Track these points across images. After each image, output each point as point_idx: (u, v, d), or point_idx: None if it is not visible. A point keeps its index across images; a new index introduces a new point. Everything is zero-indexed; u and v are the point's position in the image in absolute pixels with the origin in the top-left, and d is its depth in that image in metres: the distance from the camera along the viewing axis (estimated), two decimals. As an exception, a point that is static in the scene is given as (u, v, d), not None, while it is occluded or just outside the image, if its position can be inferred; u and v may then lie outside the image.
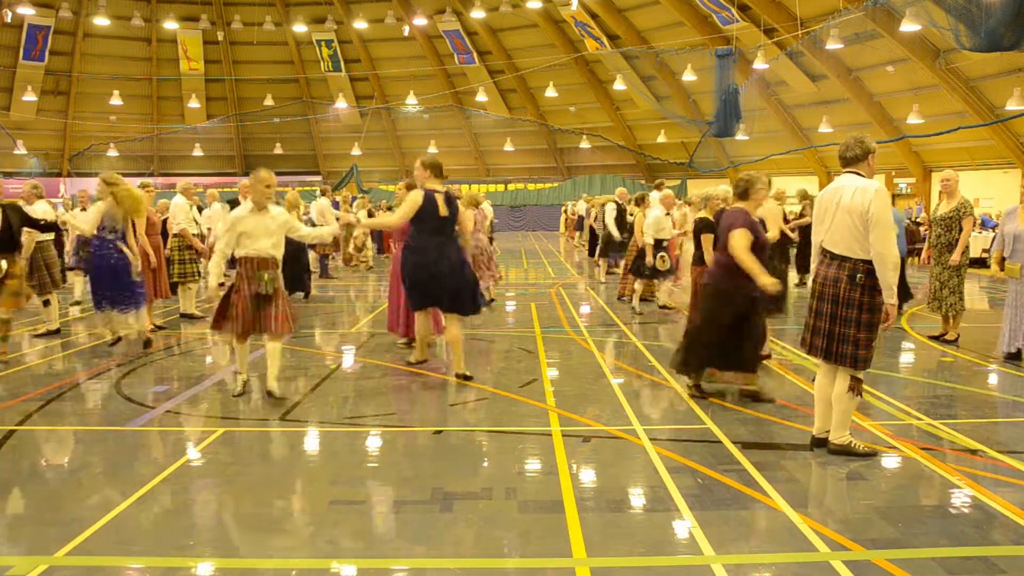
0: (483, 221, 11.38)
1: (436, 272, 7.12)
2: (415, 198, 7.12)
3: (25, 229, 8.45)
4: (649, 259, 10.93)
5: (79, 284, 11.97)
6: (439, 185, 7.32)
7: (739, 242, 6.10)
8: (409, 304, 7.78)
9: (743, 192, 6.36)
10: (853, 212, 4.91)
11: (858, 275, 4.93)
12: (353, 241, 18.91)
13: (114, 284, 8.55)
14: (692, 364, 6.59)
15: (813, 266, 5.35)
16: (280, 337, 6.50)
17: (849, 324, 4.97)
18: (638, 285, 11.64)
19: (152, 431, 5.91)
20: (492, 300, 12.31)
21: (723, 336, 6.29)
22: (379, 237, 21.78)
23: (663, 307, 11.39)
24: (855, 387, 5.06)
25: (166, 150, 40.55)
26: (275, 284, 6.46)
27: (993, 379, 7.52)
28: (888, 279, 4.89)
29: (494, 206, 29.50)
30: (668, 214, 11.27)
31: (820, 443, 5.27)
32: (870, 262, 4.91)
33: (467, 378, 7.31)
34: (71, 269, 12.00)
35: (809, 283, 5.48)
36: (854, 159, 5.12)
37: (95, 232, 8.61)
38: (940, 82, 22.83)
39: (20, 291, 8.21)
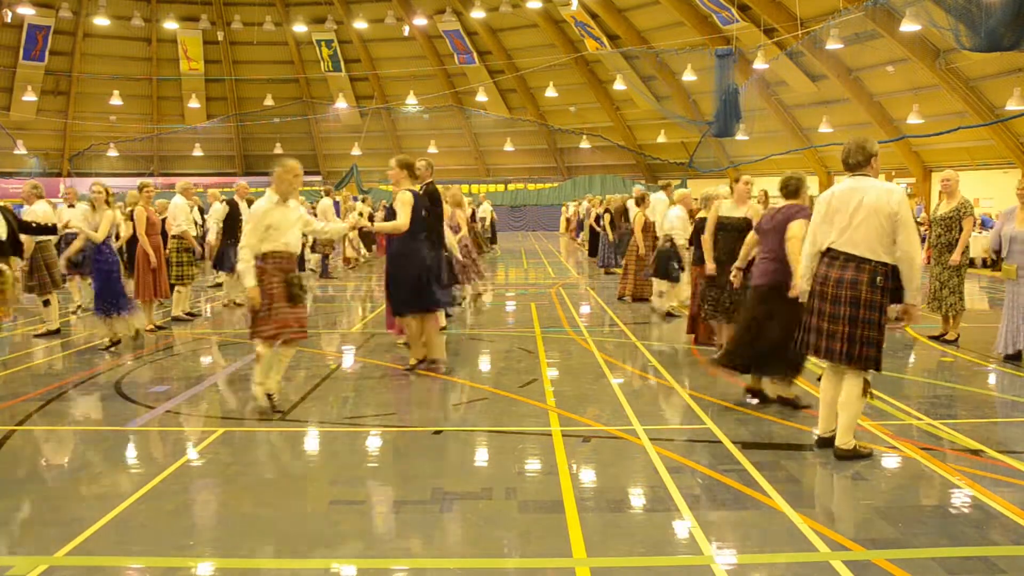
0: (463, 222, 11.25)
1: (418, 276, 7.20)
2: (407, 198, 7.14)
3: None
4: (686, 258, 10.15)
5: (75, 289, 11.86)
6: (414, 185, 7.32)
7: (799, 231, 5.91)
8: (392, 308, 7.75)
9: (795, 190, 6.29)
10: (880, 213, 4.86)
11: (878, 278, 4.91)
12: (350, 244, 18.93)
13: (120, 289, 8.87)
14: (742, 365, 6.38)
15: (806, 264, 5.29)
16: (295, 345, 6.38)
17: (872, 327, 4.94)
18: (665, 286, 10.98)
19: (152, 431, 5.91)
20: (480, 294, 12.37)
21: (785, 336, 6.01)
22: (375, 236, 21.79)
23: (668, 314, 11.07)
24: (867, 389, 5.08)
25: (166, 150, 40.56)
26: (305, 287, 6.32)
27: (993, 379, 7.52)
28: (916, 280, 4.90)
29: (494, 206, 29.52)
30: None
31: (825, 443, 5.26)
32: (888, 264, 4.91)
33: (433, 363, 7.52)
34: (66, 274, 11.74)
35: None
36: (857, 164, 5.09)
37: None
38: (940, 82, 22.82)
39: (8, 300, 8.08)
